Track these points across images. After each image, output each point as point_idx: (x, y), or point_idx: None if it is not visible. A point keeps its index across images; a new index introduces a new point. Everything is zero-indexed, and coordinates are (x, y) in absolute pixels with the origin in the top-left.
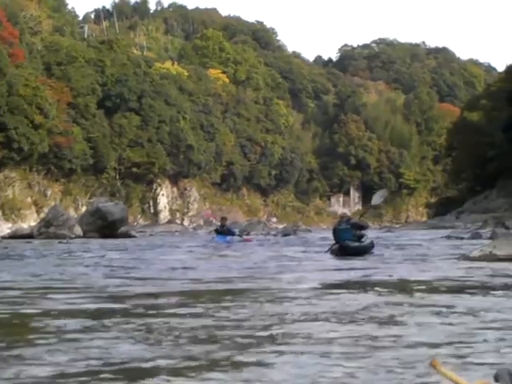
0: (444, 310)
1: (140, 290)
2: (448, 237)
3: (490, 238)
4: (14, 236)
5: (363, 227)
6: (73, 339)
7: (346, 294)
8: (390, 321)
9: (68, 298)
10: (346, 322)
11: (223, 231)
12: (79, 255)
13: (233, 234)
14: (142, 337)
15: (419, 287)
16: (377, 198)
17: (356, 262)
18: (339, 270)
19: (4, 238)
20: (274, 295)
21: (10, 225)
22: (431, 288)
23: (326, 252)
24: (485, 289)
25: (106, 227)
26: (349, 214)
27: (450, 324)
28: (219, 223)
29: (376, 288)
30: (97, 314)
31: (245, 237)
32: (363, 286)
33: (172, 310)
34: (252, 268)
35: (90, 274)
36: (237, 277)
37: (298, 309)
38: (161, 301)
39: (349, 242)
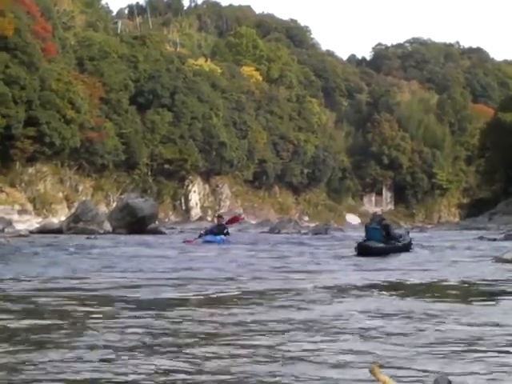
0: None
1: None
2: (481, 238)
3: None
4: (42, 230)
5: (389, 235)
6: None
7: (382, 297)
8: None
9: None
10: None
11: (219, 231)
12: (91, 251)
13: (224, 234)
14: None
15: (454, 291)
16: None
17: (391, 263)
18: (368, 270)
19: (32, 232)
20: (301, 298)
21: (40, 219)
22: (468, 290)
23: (354, 251)
24: None
25: (135, 223)
26: (380, 213)
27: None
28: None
29: (404, 290)
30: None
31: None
32: (398, 288)
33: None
34: (277, 268)
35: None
36: (265, 276)
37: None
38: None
39: (370, 243)
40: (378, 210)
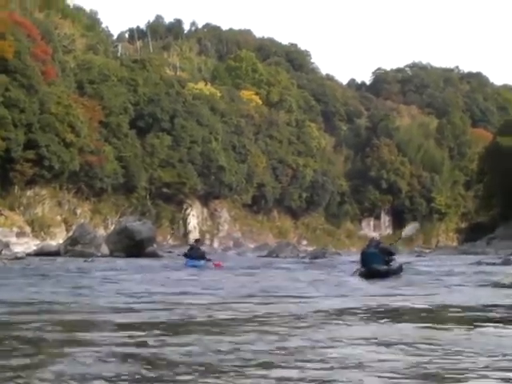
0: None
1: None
2: (479, 263)
3: None
4: (40, 253)
5: (391, 253)
6: None
7: (380, 323)
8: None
9: None
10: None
11: (198, 255)
12: (83, 274)
13: (204, 258)
14: None
15: (455, 315)
16: (408, 230)
17: (385, 287)
18: (368, 295)
19: (29, 254)
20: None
21: (38, 242)
22: (468, 316)
23: (352, 275)
24: None
25: (132, 246)
26: (378, 238)
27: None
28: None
29: (406, 316)
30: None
31: (214, 262)
32: (396, 313)
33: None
34: (271, 290)
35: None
36: (262, 296)
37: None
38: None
39: (375, 266)
40: (376, 234)
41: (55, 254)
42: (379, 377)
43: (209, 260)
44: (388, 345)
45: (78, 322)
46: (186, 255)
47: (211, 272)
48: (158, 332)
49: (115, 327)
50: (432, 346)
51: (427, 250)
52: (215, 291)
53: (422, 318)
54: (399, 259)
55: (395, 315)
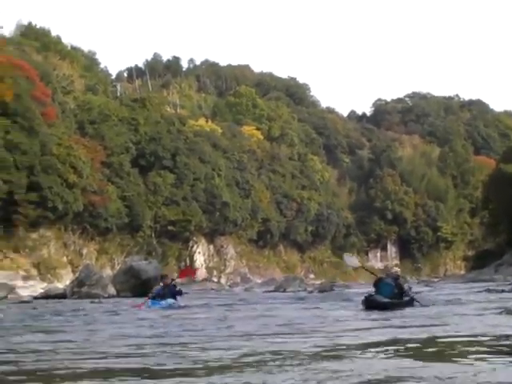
0: None
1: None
2: (488, 290)
3: None
4: (46, 296)
5: (403, 292)
6: None
7: (389, 358)
8: None
9: None
10: None
11: (165, 294)
12: (86, 318)
13: (174, 295)
14: None
15: (468, 348)
16: (349, 262)
17: (396, 318)
18: (374, 328)
19: (36, 298)
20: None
21: (44, 284)
22: (483, 347)
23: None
24: None
25: (139, 286)
26: (399, 271)
27: None
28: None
29: (414, 349)
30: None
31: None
32: (406, 345)
33: None
34: (283, 325)
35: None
36: (272, 334)
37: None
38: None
39: (378, 296)
40: (383, 265)
41: (62, 296)
42: None
43: (177, 294)
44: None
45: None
46: (154, 295)
47: (217, 310)
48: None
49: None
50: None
51: (435, 279)
52: (236, 330)
53: (432, 350)
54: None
55: (402, 348)
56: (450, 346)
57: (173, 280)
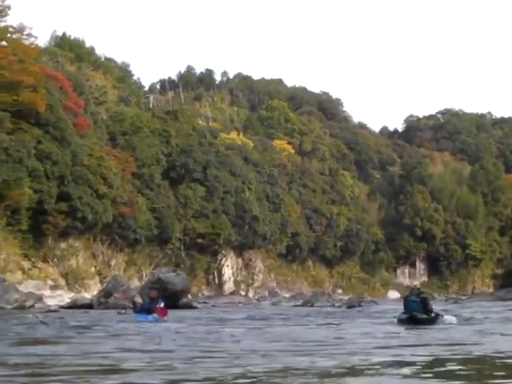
0: None
1: None
2: None
3: None
4: (73, 306)
5: (428, 308)
6: None
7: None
8: None
9: None
10: None
11: (151, 308)
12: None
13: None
14: None
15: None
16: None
17: (427, 336)
18: (405, 345)
19: (63, 307)
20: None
21: (72, 294)
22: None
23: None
24: None
25: (167, 298)
26: (419, 286)
27: None
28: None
29: (451, 368)
30: None
31: (163, 315)
32: (444, 365)
33: None
34: (309, 342)
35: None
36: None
37: None
38: None
39: (417, 314)
40: (416, 283)
41: (88, 306)
42: None
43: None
44: None
45: None
46: (140, 308)
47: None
48: None
49: None
50: None
51: (464, 297)
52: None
53: (468, 371)
54: (436, 307)
55: (439, 368)
56: (490, 365)
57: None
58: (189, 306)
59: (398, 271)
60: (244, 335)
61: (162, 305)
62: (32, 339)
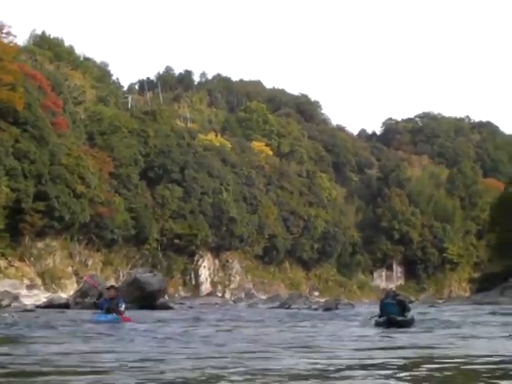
0: None
1: None
2: (493, 313)
3: None
4: (49, 305)
5: (406, 308)
6: None
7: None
8: None
9: None
10: None
11: (111, 307)
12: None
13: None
14: None
15: (482, 372)
16: None
17: (402, 339)
18: (385, 348)
19: (39, 307)
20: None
21: (49, 294)
22: (496, 371)
23: (370, 319)
24: None
25: (144, 298)
26: (394, 289)
27: None
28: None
29: (426, 371)
30: None
31: (123, 316)
32: (418, 367)
33: None
34: (282, 343)
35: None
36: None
37: None
38: None
39: (395, 316)
40: (392, 286)
41: (65, 306)
42: None
43: (120, 313)
44: None
45: None
46: (96, 305)
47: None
48: None
49: None
50: None
51: (440, 301)
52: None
53: (445, 374)
54: (412, 310)
55: (413, 370)
56: (463, 368)
57: (117, 292)
58: (165, 307)
59: (375, 274)
60: (215, 336)
61: (122, 307)
62: (3, 338)
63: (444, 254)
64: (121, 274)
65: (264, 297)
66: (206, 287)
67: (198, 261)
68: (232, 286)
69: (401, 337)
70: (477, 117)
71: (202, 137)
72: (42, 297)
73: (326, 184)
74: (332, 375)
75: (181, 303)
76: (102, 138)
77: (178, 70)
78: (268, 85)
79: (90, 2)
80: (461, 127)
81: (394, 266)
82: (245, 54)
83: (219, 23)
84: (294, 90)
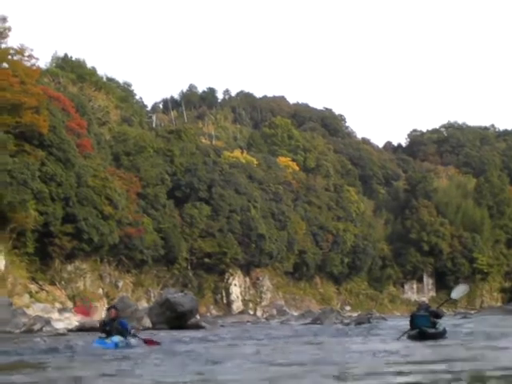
0: None
1: None
2: None
3: None
4: (82, 329)
5: (439, 316)
6: None
7: None
8: None
9: None
10: None
11: (111, 329)
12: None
13: (124, 333)
14: None
15: None
16: (457, 293)
17: (439, 352)
18: (419, 362)
19: (71, 330)
20: None
21: (80, 317)
22: None
23: (399, 339)
24: None
25: (175, 318)
26: (427, 302)
27: None
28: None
29: None
30: None
31: (144, 337)
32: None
33: None
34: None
35: None
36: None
37: None
38: None
39: (427, 328)
40: (424, 298)
41: (97, 329)
42: None
43: (134, 336)
44: None
45: None
46: (101, 329)
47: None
48: None
49: None
50: None
51: (472, 311)
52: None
53: None
54: (445, 321)
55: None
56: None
57: (117, 314)
58: (197, 326)
59: (406, 286)
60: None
61: (131, 330)
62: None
63: (474, 265)
64: (152, 295)
65: (296, 313)
66: (237, 305)
67: (228, 279)
68: (263, 304)
69: (435, 349)
70: (502, 125)
71: (228, 154)
72: (73, 320)
73: (354, 197)
74: None
75: (212, 322)
76: (127, 159)
77: (201, 88)
78: (292, 100)
79: (111, 23)
80: (486, 136)
81: (425, 278)
82: (267, 69)
83: (241, 40)
84: (317, 104)
